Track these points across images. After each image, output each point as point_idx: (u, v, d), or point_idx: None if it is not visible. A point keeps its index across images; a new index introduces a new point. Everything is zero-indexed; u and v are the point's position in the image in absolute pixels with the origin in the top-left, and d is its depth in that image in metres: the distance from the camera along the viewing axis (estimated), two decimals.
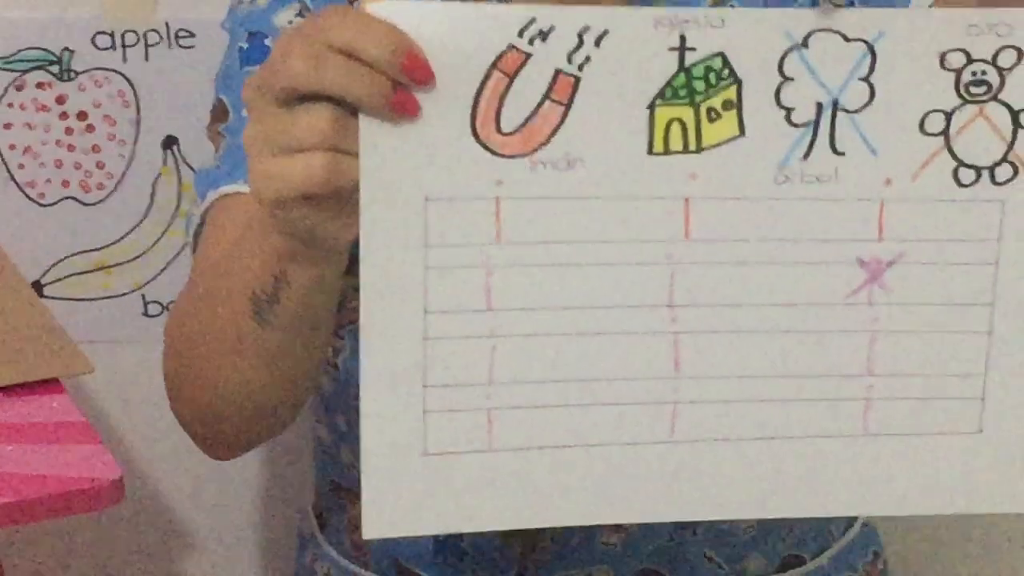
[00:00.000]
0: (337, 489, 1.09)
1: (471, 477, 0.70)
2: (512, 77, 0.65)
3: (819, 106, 0.67)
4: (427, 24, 0.65)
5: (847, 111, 0.67)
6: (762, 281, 0.69)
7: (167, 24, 1.31)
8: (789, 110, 0.67)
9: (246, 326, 0.78)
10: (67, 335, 1.09)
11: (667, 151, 0.67)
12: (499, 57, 0.65)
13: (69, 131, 1.32)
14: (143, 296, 1.38)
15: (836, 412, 0.72)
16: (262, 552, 1.50)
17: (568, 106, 0.66)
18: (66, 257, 1.35)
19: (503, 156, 0.67)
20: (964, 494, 0.73)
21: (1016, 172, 0.68)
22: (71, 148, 1.32)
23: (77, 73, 1.30)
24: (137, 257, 1.37)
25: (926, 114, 0.67)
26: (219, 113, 0.98)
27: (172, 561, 1.48)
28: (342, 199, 0.67)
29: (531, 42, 0.65)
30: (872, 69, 0.66)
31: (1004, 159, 0.68)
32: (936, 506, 0.74)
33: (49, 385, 0.99)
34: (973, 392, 0.71)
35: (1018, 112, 0.67)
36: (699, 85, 0.66)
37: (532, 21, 0.65)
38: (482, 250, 0.68)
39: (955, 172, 0.68)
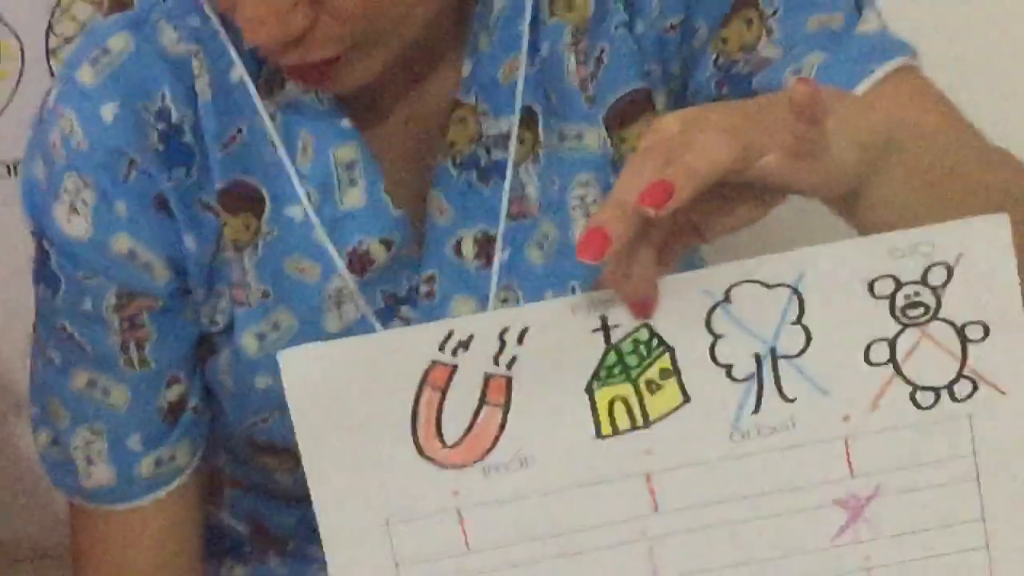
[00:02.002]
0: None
1: None
2: (444, 390, 0.65)
3: (757, 357, 0.65)
4: (347, 360, 0.65)
5: (787, 357, 0.65)
6: (745, 538, 0.67)
7: None
8: (728, 367, 0.65)
9: None
10: None
11: (616, 432, 0.66)
12: (425, 374, 0.65)
13: None
14: None
15: None
16: None
17: (506, 407, 0.66)
18: None
19: (454, 468, 0.66)
20: None
21: (976, 386, 0.65)
22: None
23: None
24: None
25: (868, 345, 0.65)
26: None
27: None
28: None
29: (454, 353, 0.65)
30: (802, 311, 0.65)
31: (960, 376, 0.65)
32: None
33: None
34: None
35: (963, 327, 0.65)
36: (632, 360, 0.65)
37: (450, 334, 0.65)
38: (453, 561, 0.67)
39: (912, 396, 0.66)
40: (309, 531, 0.91)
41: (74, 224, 0.86)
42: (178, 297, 0.89)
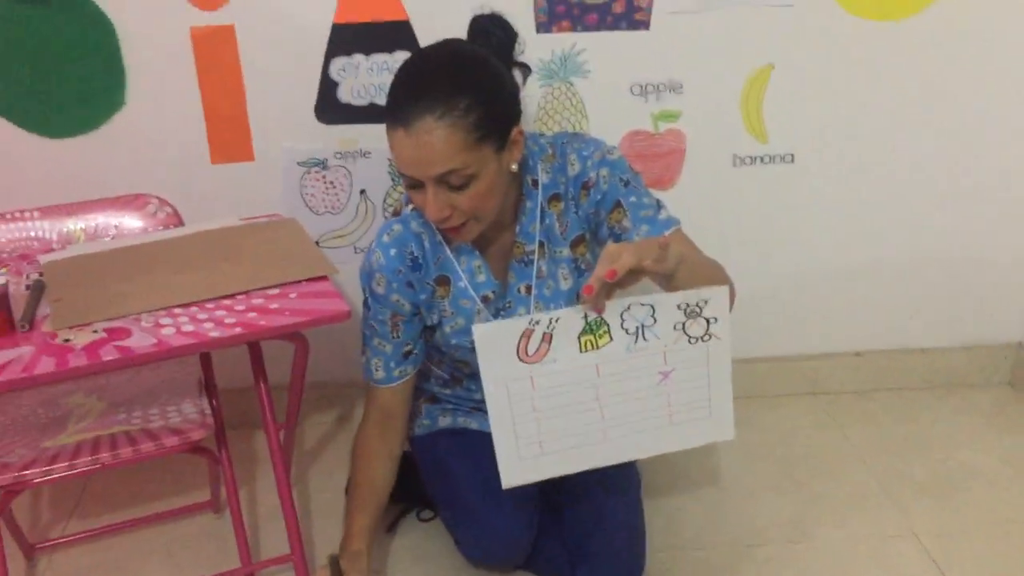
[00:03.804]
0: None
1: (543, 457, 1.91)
2: (530, 336, 1.83)
3: (638, 326, 1.84)
4: (502, 329, 1.83)
5: (647, 327, 1.85)
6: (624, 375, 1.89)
7: None
8: (627, 330, 1.83)
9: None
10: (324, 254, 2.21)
11: (585, 351, 1.85)
12: (523, 332, 1.82)
13: None
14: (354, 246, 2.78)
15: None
16: None
17: (551, 342, 1.85)
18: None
19: (530, 363, 1.85)
20: None
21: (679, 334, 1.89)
22: None
23: None
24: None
25: (678, 323, 1.88)
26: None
27: None
28: None
29: (532, 323, 1.82)
30: (655, 312, 1.84)
31: (702, 336, 1.89)
32: None
33: (320, 278, 2.10)
34: None
35: (707, 323, 1.88)
36: (594, 326, 1.83)
37: (539, 320, 1.81)
38: (530, 396, 1.87)
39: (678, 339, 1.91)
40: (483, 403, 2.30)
41: (378, 289, 2.13)
42: (415, 315, 2.19)
